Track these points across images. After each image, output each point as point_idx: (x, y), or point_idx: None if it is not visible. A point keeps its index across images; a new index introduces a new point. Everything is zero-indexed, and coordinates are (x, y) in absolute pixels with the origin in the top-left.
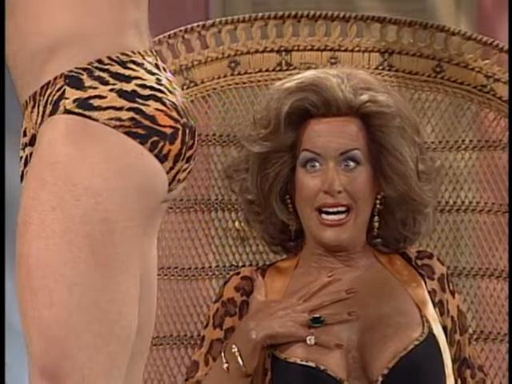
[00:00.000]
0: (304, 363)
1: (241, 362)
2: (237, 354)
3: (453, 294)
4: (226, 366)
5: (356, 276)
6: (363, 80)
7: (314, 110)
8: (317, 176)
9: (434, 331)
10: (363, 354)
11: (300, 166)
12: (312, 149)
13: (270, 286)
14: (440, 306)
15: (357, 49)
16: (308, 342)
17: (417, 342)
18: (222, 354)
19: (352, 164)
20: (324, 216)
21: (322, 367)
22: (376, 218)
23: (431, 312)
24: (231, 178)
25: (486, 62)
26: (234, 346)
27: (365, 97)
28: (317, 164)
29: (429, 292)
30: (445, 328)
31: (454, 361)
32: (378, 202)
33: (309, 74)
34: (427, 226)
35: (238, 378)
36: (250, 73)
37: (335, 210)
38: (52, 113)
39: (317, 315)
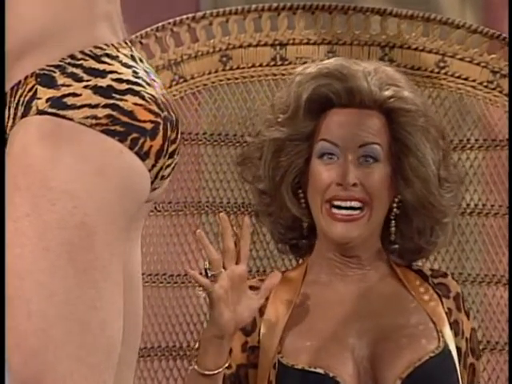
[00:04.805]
0: (313, 369)
1: (193, 363)
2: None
3: (467, 314)
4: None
5: (369, 286)
6: (390, 76)
7: (337, 98)
8: (332, 168)
9: (450, 347)
10: (375, 365)
11: (316, 156)
12: (331, 139)
13: (276, 297)
14: (455, 326)
15: (356, 42)
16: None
17: (432, 354)
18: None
19: (371, 160)
20: (334, 210)
21: (332, 374)
22: (393, 222)
23: (447, 331)
24: (243, 165)
25: (493, 56)
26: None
27: (390, 92)
28: (334, 157)
29: (445, 313)
30: (459, 350)
31: None
32: (394, 205)
33: (334, 60)
34: (445, 236)
35: (196, 377)
36: (243, 68)
37: (348, 204)
38: (24, 114)
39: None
